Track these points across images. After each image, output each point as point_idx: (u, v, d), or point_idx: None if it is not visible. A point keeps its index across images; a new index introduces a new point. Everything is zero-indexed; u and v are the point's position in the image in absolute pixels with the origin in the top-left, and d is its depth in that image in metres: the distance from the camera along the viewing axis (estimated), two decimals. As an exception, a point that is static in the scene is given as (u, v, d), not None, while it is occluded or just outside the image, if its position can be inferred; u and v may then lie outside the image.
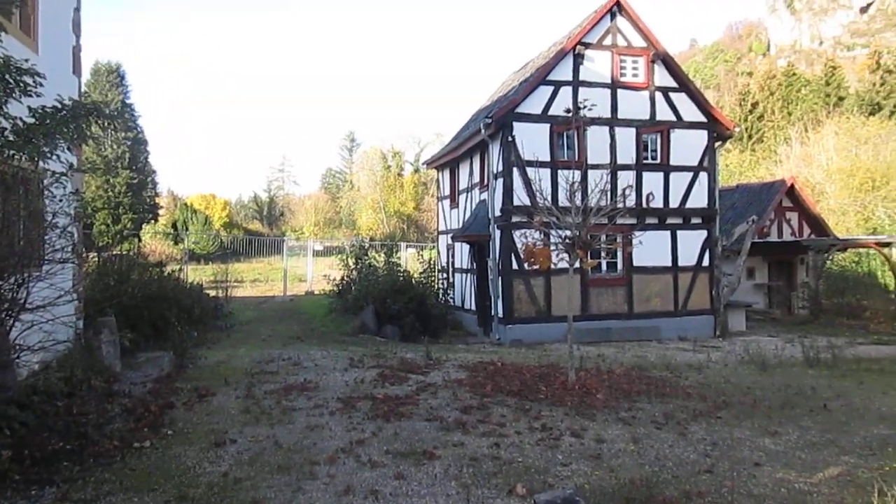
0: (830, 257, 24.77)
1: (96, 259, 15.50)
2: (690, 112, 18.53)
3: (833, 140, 42.85)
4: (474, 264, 20.14)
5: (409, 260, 29.83)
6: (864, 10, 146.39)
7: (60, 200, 7.18)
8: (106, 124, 7.91)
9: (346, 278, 22.75)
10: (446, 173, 24.11)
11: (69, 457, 5.88)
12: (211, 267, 31.97)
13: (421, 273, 21.78)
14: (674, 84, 18.50)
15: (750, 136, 60.46)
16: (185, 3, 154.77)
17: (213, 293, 20.71)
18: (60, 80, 9.54)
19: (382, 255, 23.35)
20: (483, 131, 17.56)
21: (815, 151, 43.89)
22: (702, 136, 18.63)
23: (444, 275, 23.44)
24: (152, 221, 50.16)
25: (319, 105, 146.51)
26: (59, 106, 7.12)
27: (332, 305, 21.79)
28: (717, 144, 19.06)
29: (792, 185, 26.14)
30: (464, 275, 21.36)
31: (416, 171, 68.75)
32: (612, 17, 18.18)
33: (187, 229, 48.00)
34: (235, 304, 21.78)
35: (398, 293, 18.28)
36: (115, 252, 16.41)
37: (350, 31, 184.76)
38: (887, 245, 23.48)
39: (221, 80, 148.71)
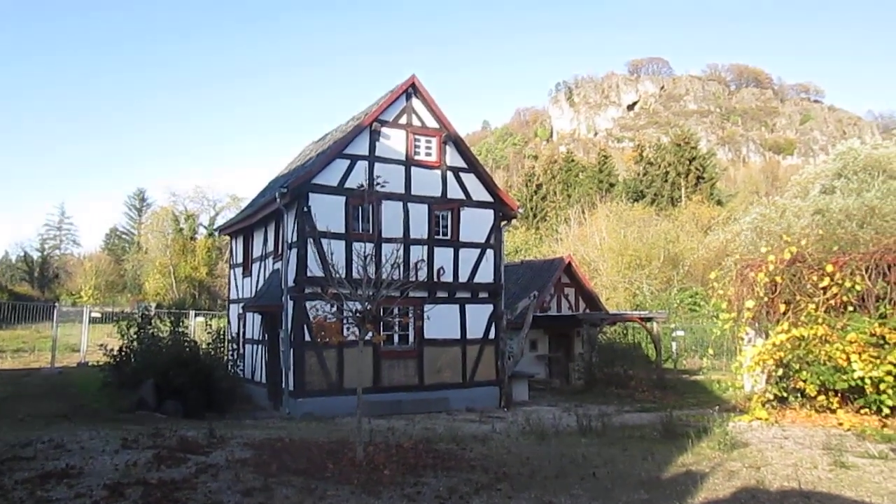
0: (602, 330, 26.93)
1: None
2: (479, 192, 19.60)
3: (605, 222, 47.18)
4: (266, 335, 19.60)
5: (198, 329, 28.34)
6: (630, 107, 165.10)
7: None
8: None
9: (125, 349, 21.12)
10: (240, 240, 23.49)
11: None
12: (-37, 335, 28.31)
13: (209, 344, 20.78)
14: (464, 165, 19.53)
15: (535, 215, 64.96)
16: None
17: (-39, 366, 18.33)
18: None
19: (168, 323, 22.00)
20: (278, 200, 17.40)
21: (591, 231, 48.10)
22: (489, 215, 19.72)
23: (235, 345, 22.54)
24: None
25: (105, 158, 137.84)
26: None
27: (108, 379, 20.03)
28: (502, 223, 20.25)
29: (570, 263, 28.32)
30: (255, 346, 20.69)
31: (211, 235, 66.15)
32: (408, 97, 18.98)
33: (-65, 292, 42.40)
34: (-10, 379, 19.42)
35: (183, 365, 17.23)
36: None
37: (142, 80, 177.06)
38: (649, 320, 26.02)
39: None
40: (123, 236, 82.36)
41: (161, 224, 68.72)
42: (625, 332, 31.60)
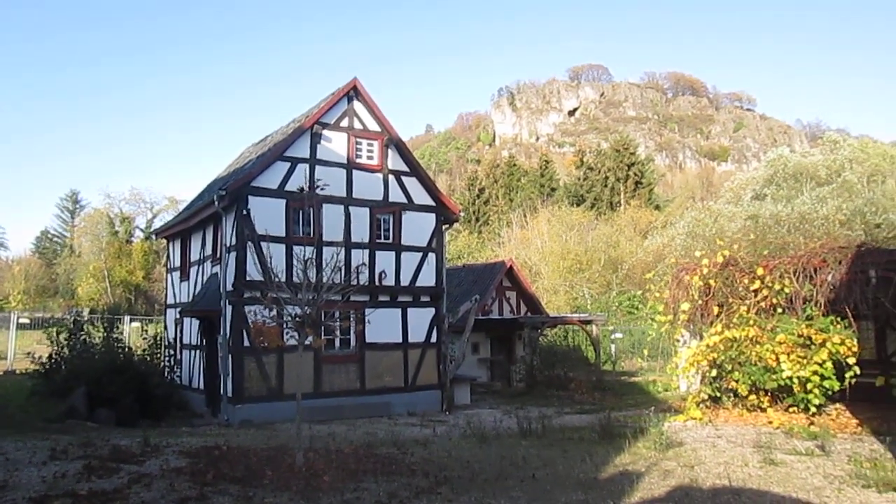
0: (543, 333, 27.22)
1: None
2: (420, 195, 19.59)
3: (546, 226, 47.71)
4: (204, 341, 19.21)
5: (134, 335, 27.61)
6: (571, 113, 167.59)
7: None
8: None
9: (55, 356, 20.41)
10: (177, 244, 22.99)
11: None
12: None
13: (145, 350, 20.26)
14: (406, 168, 19.50)
15: (477, 219, 65.27)
16: None
17: None
18: None
19: (102, 328, 21.36)
20: (217, 203, 17.09)
21: (532, 235, 48.57)
22: (431, 219, 19.71)
23: (172, 351, 22.04)
24: None
25: (38, 158, 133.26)
26: None
27: (36, 387, 19.33)
28: (444, 227, 20.28)
29: (511, 267, 28.58)
30: (192, 352, 20.25)
31: (148, 238, 64.47)
32: (350, 100, 18.85)
33: None
34: None
35: (116, 372, 16.77)
36: None
37: (74, 77, 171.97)
38: (589, 323, 26.42)
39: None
40: (55, 239, 79.65)
41: (95, 227, 66.71)
42: (565, 334, 32.01)
